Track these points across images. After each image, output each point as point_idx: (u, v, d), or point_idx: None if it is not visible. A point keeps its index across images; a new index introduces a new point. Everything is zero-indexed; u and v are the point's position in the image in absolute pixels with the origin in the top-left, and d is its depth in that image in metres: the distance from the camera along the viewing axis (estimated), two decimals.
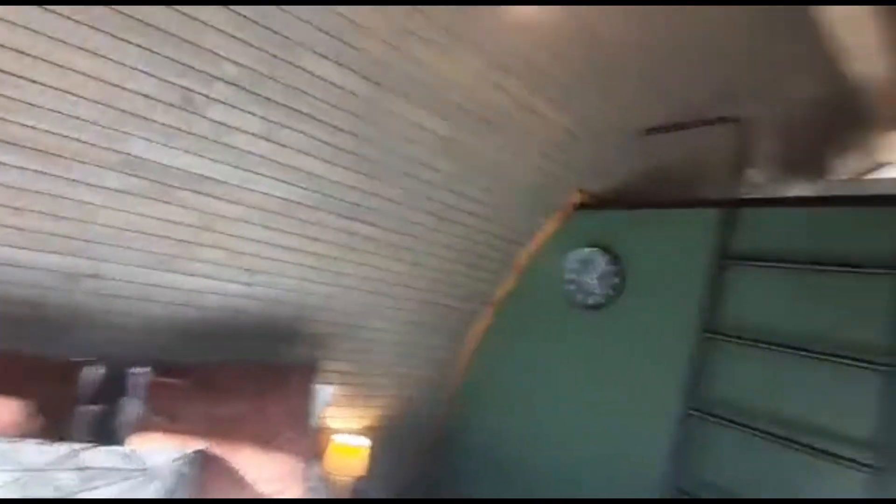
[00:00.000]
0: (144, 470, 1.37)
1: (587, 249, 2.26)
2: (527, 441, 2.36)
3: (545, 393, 2.35)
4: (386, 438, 2.61)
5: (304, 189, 1.81)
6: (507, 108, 1.87)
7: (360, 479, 2.29)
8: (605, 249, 2.19)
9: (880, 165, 3.10)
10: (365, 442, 2.34)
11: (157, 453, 1.42)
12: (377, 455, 2.44)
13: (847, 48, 1.93)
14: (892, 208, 1.49)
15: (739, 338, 1.69)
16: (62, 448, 1.30)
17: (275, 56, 1.48)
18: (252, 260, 1.88)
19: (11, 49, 1.23)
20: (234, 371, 1.81)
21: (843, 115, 2.51)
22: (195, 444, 1.53)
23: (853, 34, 1.86)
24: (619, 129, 2.14)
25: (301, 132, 1.67)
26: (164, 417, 1.57)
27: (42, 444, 1.29)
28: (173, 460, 1.44)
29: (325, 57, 1.54)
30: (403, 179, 1.97)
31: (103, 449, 1.36)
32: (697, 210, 1.96)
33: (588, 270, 2.25)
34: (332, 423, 2.42)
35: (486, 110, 1.86)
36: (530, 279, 2.55)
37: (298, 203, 1.84)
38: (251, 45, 1.44)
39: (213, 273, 1.83)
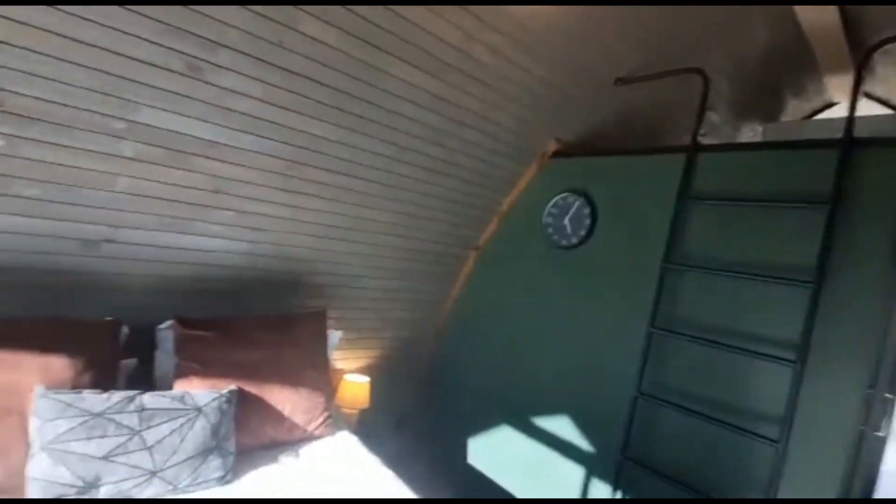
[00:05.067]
0: (195, 409, 1.56)
1: (563, 195, 2.47)
2: (508, 365, 2.67)
3: (525, 323, 2.63)
4: (384, 375, 2.88)
5: (303, 149, 1.91)
6: (489, 61, 1.97)
7: (363, 410, 2.57)
8: (580, 194, 2.41)
9: (831, 104, 3.40)
10: (365, 379, 2.59)
11: (201, 395, 1.61)
12: (376, 389, 2.72)
13: None
14: (823, 150, 1.74)
15: (696, 266, 1.98)
16: (119, 395, 1.47)
17: (274, 21, 1.54)
18: (258, 219, 2.00)
19: (23, 23, 1.26)
20: (252, 322, 1.98)
21: (795, 60, 2.73)
22: (228, 387, 1.72)
23: None
24: (593, 79, 2.28)
25: (300, 94, 1.75)
26: (196, 365, 1.75)
27: (100, 393, 1.45)
28: (213, 399, 1.63)
29: (320, 19, 1.60)
30: (396, 135, 2.09)
31: (155, 394, 1.53)
32: (663, 156, 2.17)
33: (564, 214, 2.47)
34: (339, 364, 2.66)
35: (470, 66, 1.96)
36: (511, 224, 2.76)
37: (298, 163, 1.94)
38: (254, 12, 1.49)
39: (222, 233, 1.95)
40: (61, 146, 1.49)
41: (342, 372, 2.66)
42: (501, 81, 2.09)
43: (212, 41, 1.50)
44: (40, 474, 1.30)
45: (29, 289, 1.65)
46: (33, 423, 1.35)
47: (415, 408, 3.12)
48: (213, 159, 1.75)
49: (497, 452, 2.67)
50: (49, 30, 1.30)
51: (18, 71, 1.32)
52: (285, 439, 1.86)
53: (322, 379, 2.03)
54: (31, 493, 1.29)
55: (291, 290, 2.31)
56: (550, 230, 2.52)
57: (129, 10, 1.35)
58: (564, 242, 2.47)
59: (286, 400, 1.87)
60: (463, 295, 2.97)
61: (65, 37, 1.32)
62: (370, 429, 2.63)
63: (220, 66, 1.56)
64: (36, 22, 1.27)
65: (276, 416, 1.83)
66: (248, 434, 1.75)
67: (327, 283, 2.42)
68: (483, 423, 2.76)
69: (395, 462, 2.02)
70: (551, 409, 2.44)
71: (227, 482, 1.58)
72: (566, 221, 2.46)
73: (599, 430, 2.26)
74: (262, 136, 1.79)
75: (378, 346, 2.88)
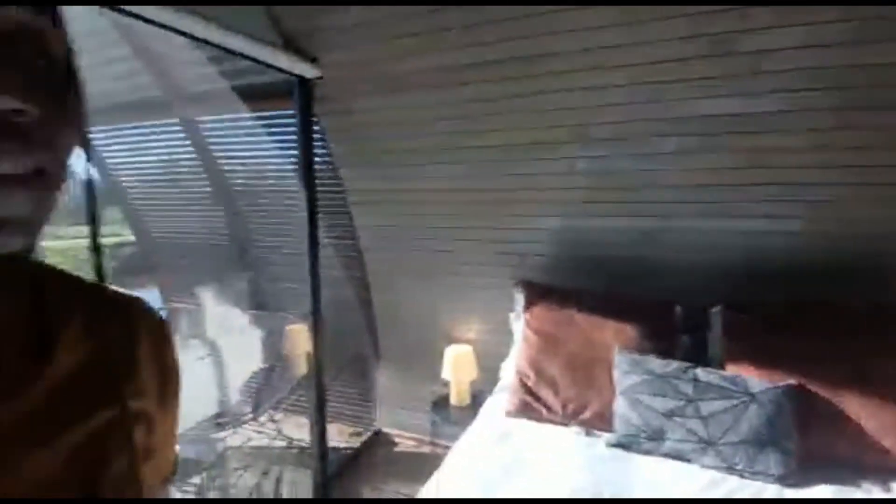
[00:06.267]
0: (747, 394, 1.52)
1: None
2: None
3: None
4: None
5: (861, 89, 1.47)
6: None
7: None
8: None
9: None
10: None
11: (754, 381, 1.55)
12: None
13: None
14: None
15: None
16: (675, 364, 1.65)
17: None
18: (810, 190, 1.71)
19: (588, 69, 1.70)
20: (818, 310, 1.69)
21: None
22: (782, 379, 1.55)
23: None
24: None
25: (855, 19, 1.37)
26: (747, 350, 1.69)
27: (661, 359, 1.69)
28: (767, 389, 1.52)
29: None
30: None
31: (708, 370, 1.61)
32: None
33: None
34: None
35: None
36: None
37: (859, 108, 1.51)
38: None
39: (770, 211, 1.80)
40: (626, 154, 1.87)
41: None
42: None
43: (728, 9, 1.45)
44: (620, 412, 1.67)
45: (608, 272, 2.15)
46: (615, 373, 1.75)
47: None
48: (747, 132, 1.66)
49: None
50: (604, 66, 1.68)
51: (595, 107, 1.79)
52: (865, 462, 1.46)
53: None
54: (617, 426, 1.66)
55: (868, 279, 1.79)
56: None
57: (644, 21, 1.53)
58: None
59: (868, 413, 1.46)
60: None
61: (631, 66, 1.66)
62: None
63: (745, 31, 1.47)
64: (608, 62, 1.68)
65: (853, 429, 1.47)
66: (811, 440, 1.50)
67: None
68: None
69: None
70: None
71: (790, 485, 1.42)
72: None
73: None
74: (799, 91, 1.52)
75: None
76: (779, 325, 1.70)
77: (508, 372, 2.04)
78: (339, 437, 2.94)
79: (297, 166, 2.12)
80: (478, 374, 2.45)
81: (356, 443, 2.86)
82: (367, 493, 2.44)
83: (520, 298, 2.14)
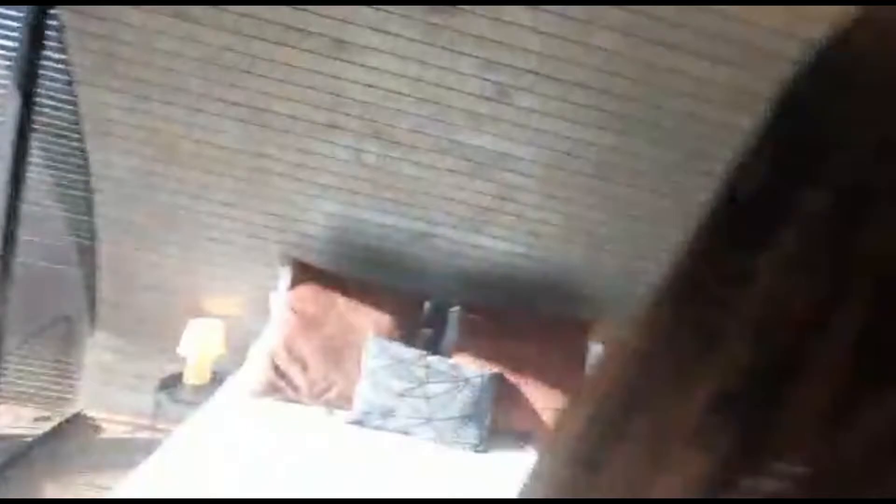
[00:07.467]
0: (463, 379, 1.85)
1: None
2: None
3: None
4: None
5: (582, 158, 2.00)
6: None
7: None
8: None
9: None
10: None
11: (470, 369, 1.89)
12: None
13: None
14: None
15: None
16: (416, 351, 1.88)
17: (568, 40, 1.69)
18: (535, 225, 2.20)
19: (393, 74, 1.81)
20: (524, 320, 2.18)
21: None
22: (490, 367, 1.95)
23: None
24: None
25: (592, 107, 1.85)
26: (470, 344, 2.05)
27: (404, 346, 1.90)
28: (478, 375, 1.88)
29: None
30: (680, 140, 1.93)
31: (438, 358, 1.89)
32: None
33: None
34: None
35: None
36: None
37: (576, 172, 2.04)
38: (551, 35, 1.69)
39: (506, 235, 2.23)
40: (410, 161, 2.04)
41: None
42: None
43: (517, 67, 1.77)
44: (362, 393, 1.81)
45: (376, 263, 2.30)
46: (364, 357, 1.88)
47: None
48: (505, 170, 2.03)
49: None
50: (402, 74, 1.82)
51: (393, 109, 1.90)
52: (535, 432, 1.96)
53: (575, 387, 2.04)
54: (356, 405, 1.79)
55: (563, 297, 2.41)
56: None
57: (453, 50, 1.74)
58: None
59: (539, 396, 1.97)
60: None
61: (411, 78, 1.82)
62: None
63: (522, 89, 1.82)
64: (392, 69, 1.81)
65: (529, 409, 1.95)
66: (503, 416, 1.93)
67: (597, 296, 2.41)
68: None
69: None
70: None
71: (481, 451, 1.79)
72: None
73: None
74: (545, 148, 1.97)
75: None
76: (496, 325, 2.12)
77: (260, 350, 1.97)
78: (17, 423, 2.30)
79: (11, 63, 1.60)
80: (226, 352, 2.28)
81: (43, 429, 2.28)
82: (49, 490, 1.98)
83: (285, 276, 2.10)
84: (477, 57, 1.77)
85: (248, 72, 1.85)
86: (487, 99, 1.86)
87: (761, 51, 1.66)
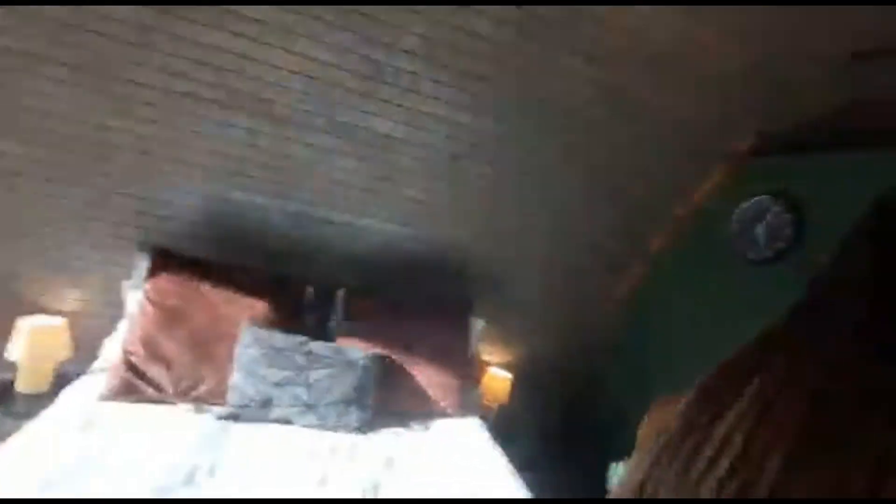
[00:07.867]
0: (346, 362, 1.82)
1: (758, 198, 2.06)
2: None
3: (703, 353, 2.27)
4: (528, 375, 2.82)
5: (469, 143, 2.04)
6: (669, 43, 1.76)
7: (503, 406, 2.58)
8: (780, 197, 1.97)
9: None
10: (508, 375, 2.60)
11: (354, 352, 1.87)
12: (518, 388, 2.68)
13: None
14: None
15: None
16: (297, 338, 1.81)
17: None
18: (419, 206, 2.21)
19: (257, 41, 1.67)
20: (408, 301, 2.20)
21: None
22: (380, 351, 1.95)
23: None
24: (817, 55, 1.84)
25: (471, 93, 1.88)
26: (356, 328, 2.03)
27: (283, 334, 1.81)
28: (361, 357, 1.87)
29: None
30: (564, 134, 2.05)
31: (321, 343, 1.84)
32: None
33: (758, 221, 2.06)
34: (486, 356, 2.73)
35: (648, 48, 1.79)
36: (692, 230, 2.43)
37: (462, 156, 2.08)
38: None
39: (390, 217, 2.22)
40: (286, 138, 1.92)
41: (488, 364, 2.72)
42: (685, 66, 1.86)
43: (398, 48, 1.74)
44: (235, 385, 1.70)
45: (255, 247, 2.15)
46: (237, 348, 1.77)
47: (561, 418, 2.99)
48: (389, 151, 2.01)
49: None
50: (276, 45, 1.69)
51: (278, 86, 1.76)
52: (418, 410, 2.01)
53: (460, 362, 2.12)
54: (230, 398, 1.68)
55: (448, 277, 2.47)
56: (740, 240, 2.13)
57: (335, 26, 1.66)
58: (756, 256, 2.06)
59: (424, 374, 2.02)
60: (631, 308, 2.72)
61: (286, 49, 1.70)
62: (506, 426, 2.62)
63: (400, 68, 1.79)
64: (273, 40, 1.68)
65: (413, 387, 1.99)
66: (387, 396, 1.94)
67: (482, 275, 2.51)
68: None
69: (518, 461, 1.98)
70: None
71: (362, 433, 1.78)
72: (759, 230, 2.05)
73: None
74: (431, 130, 1.98)
75: (526, 345, 2.85)
76: (381, 306, 2.12)
77: (111, 350, 1.76)
78: None
79: None
80: (73, 354, 2.00)
81: None
82: None
83: (142, 266, 1.88)
84: (357, 33, 1.70)
85: (97, 31, 1.58)
86: (369, 78, 1.81)
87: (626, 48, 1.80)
